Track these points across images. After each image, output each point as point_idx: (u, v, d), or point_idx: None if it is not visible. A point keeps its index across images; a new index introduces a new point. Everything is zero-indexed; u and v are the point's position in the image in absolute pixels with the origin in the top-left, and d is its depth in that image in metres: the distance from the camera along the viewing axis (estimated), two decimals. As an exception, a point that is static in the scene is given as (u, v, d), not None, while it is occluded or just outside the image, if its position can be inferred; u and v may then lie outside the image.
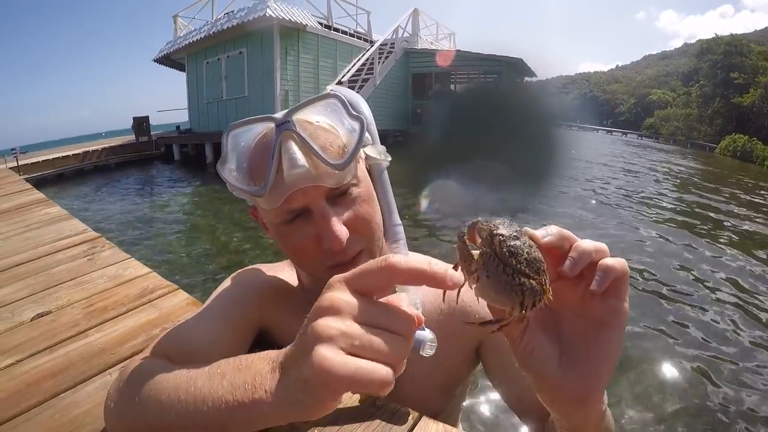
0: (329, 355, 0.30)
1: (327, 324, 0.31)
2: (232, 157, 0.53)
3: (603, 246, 0.35)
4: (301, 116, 0.52)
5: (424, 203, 5.52)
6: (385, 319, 0.33)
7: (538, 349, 0.36)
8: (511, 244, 0.31)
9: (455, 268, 0.34)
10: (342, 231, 0.51)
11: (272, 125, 0.51)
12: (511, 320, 0.33)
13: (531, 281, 0.31)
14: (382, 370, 0.31)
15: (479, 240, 0.33)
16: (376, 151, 0.58)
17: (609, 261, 0.34)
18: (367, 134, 0.54)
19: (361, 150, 0.56)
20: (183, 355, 0.52)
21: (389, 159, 0.60)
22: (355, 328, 0.31)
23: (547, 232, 0.35)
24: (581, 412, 0.37)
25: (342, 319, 0.32)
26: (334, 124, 0.54)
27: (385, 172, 0.60)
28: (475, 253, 0.33)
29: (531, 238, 0.34)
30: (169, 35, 13.63)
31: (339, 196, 0.54)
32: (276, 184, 0.50)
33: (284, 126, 0.50)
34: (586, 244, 0.35)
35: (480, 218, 0.33)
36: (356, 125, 0.53)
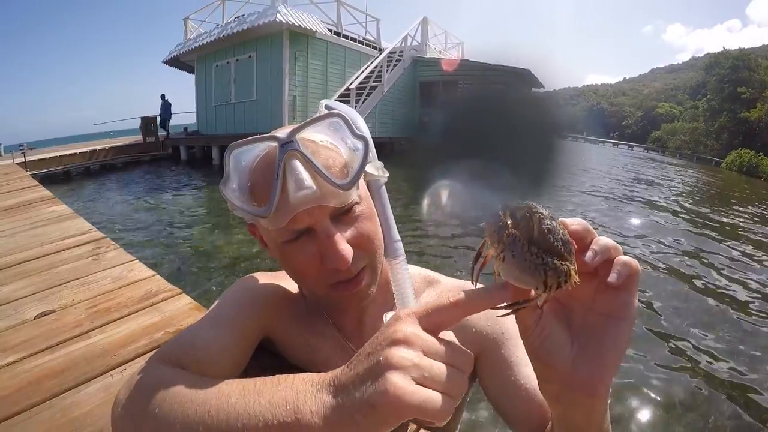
0: (401, 383, 0.32)
1: (401, 354, 0.33)
2: (234, 177, 0.52)
3: (618, 245, 0.37)
4: (304, 135, 0.51)
5: (424, 209, 5.54)
6: (451, 356, 0.35)
7: (551, 337, 0.37)
8: (549, 223, 0.33)
9: (480, 249, 0.36)
10: (347, 250, 0.51)
11: (275, 144, 0.50)
12: (533, 302, 0.34)
13: (557, 261, 0.32)
14: (448, 402, 0.33)
15: (509, 221, 0.33)
16: (374, 167, 0.58)
17: (625, 258, 0.36)
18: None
19: None
20: (195, 363, 0.52)
21: (387, 175, 0.60)
22: (426, 361, 0.33)
23: (575, 221, 0.36)
24: (588, 404, 0.38)
25: (415, 351, 0.33)
26: (335, 142, 0.54)
27: (383, 187, 0.60)
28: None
29: (561, 223, 0.35)
30: (179, 37, 13.80)
31: (342, 214, 0.53)
32: (280, 205, 0.49)
33: (288, 145, 0.49)
34: (606, 240, 0.36)
35: (511, 202, 0.35)
36: (360, 144, 0.53)
